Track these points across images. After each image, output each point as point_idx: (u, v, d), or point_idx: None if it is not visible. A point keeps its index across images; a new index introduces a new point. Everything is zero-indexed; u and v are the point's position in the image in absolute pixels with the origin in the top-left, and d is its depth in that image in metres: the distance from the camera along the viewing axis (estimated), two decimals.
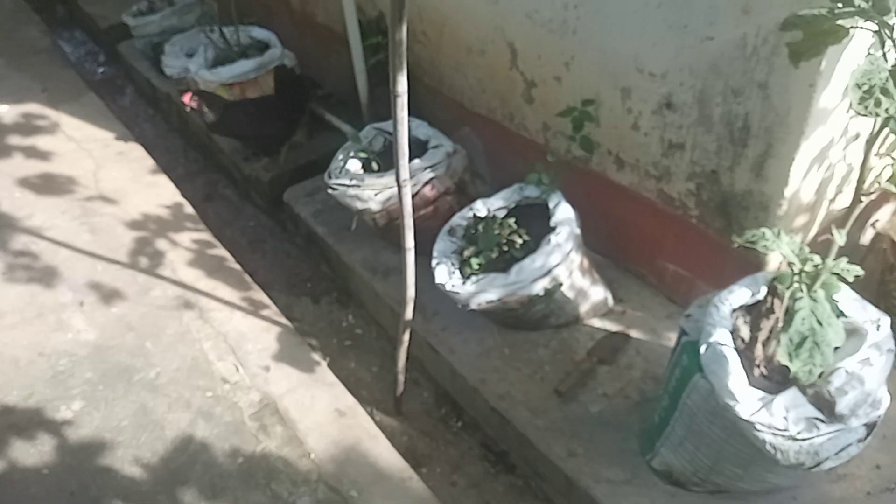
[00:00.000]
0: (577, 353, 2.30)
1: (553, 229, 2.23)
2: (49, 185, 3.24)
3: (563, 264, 2.19)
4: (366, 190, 2.56)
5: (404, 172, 1.71)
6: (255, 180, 3.36)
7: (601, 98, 2.30)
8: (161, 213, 3.08)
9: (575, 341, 2.34)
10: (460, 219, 2.43)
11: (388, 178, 2.54)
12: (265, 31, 3.45)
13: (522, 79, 2.59)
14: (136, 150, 3.49)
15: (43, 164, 3.39)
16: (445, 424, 2.42)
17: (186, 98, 3.08)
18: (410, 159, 2.68)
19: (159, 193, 3.21)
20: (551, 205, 2.31)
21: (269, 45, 3.39)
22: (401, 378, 2.30)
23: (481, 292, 2.17)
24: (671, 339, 2.29)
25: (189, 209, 3.13)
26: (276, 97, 3.31)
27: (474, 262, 2.25)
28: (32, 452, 2.04)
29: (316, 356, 2.43)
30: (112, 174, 3.32)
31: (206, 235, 2.97)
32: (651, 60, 2.07)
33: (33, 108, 3.88)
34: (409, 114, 3.01)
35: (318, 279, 3.05)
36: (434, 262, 2.30)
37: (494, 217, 2.35)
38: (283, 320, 2.56)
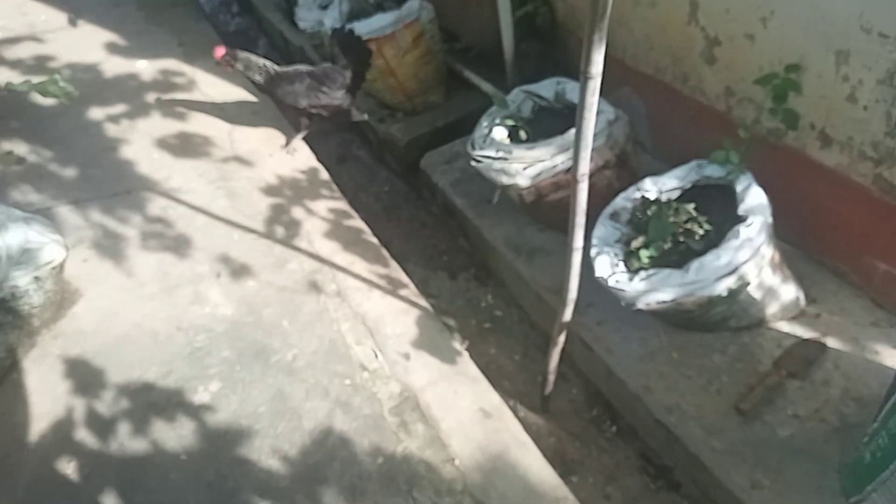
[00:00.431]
0: (761, 362, 1.98)
1: (741, 219, 1.89)
2: (186, 146, 3.19)
3: (752, 260, 1.86)
4: (513, 163, 2.30)
5: (584, 166, 1.43)
6: (391, 143, 3.17)
7: (807, 62, 1.90)
8: (296, 178, 2.96)
9: (759, 348, 2.02)
10: (625, 200, 2.13)
11: (540, 150, 2.27)
12: None
13: (703, 35, 2.22)
14: (270, 109, 3.38)
15: (179, 123, 3.36)
16: (598, 428, 2.18)
17: (218, 54, 2.95)
18: (562, 127, 2.40)
19: (294, 156, 3.09)
20: (739, 188, 1.97)
21: None
22: (550, 378, 2.07)
23: (651, 291, 1.88)
24: (878, 352, 1.93)
25: (324, 174, 2.99)
26: (331, 68, 3.03)
27: (643, 254, 1.95)
28: (171, 436, 1.99)
29: (457, 344, 2.24)
30: (247, 135, 3.24)
31: (341, 204, 2.83)
32: (883, 18, 1.66)
33: (170, 63, 3.86)
34: (558, 70, 2.72)
35: (455, 253, 2.85)
36: (593, 252, 2.03)
37: (668, 201, 2.03)
38: (423, 302, 2.38)
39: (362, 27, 2.97)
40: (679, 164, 2.64)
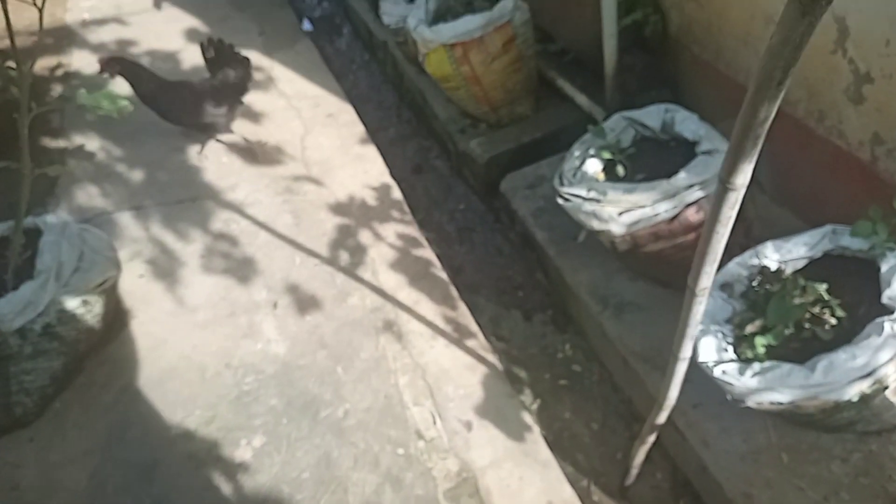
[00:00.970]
0: (892, 478, 1.62)
1: (886, 309, 1.53)
2: (254, 152, 3.02)
3: (894, 361, 1.50)
4: (607, 206, 1.99)
5: (706, 280, 1.13)
6: (470, 159, 2.90)
7: None
8: (366, 196, 2.74)
9: (890, 459, 1.66)
10: (740, 267, 1.79)
11: (640, 195, 1.94)
12: None
13: (851, 68, 1.82)
14: (346, 113, 3.17)
15: (252, 125, 3.19)
16: None
17: (101, 61, 2.79)
18: (672, 167, 2.06)
19: (366, 170, 2.87)
20: (884, 268, 1.60)
21: None
22: (633, 472, 1.78)
23: (766, 390, 1.55)
24: None
25: (396, 193, 2.76)
26: (212, 79, 2.91)
27: (759, 342, 1.62)
28: (207, 498, 1.83)
29: (527, 416, 1.98)
30: (319, 140, 3.03)
31: (411, 230, 2.59)
32: None
33: (250, 54, 3.67)
34: (665, 87, 2.36)
35: (532, 289, 2.57)
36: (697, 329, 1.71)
37: (794, 276, 1.68)
38: (491, 357, 2.12)
39: (448, 29, 2.69)
40: (803, 211, 2.26)
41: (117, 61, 2.82)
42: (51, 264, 2.12)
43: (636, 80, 2.59)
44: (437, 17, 2.88)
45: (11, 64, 3.70)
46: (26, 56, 3.40)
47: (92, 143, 3.19)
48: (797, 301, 1.61)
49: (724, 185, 0.96)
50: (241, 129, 3.19)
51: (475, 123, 2.98)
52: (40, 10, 1.93)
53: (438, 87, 3.03)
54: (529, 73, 2.93)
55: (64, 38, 4.14)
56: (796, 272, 1.72)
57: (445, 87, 2.91)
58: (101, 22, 4.25)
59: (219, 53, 2.95)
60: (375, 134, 3.23)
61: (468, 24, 2.68)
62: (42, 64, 3.85)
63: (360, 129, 3.06)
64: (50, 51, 4.01)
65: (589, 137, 2.21)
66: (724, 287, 1.76)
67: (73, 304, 2.14)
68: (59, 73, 3.88)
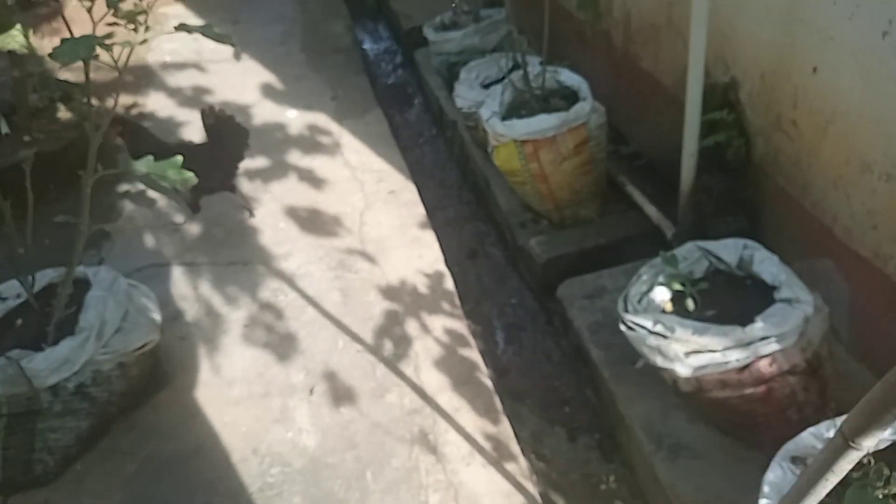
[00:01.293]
0: None
1: None
2: (314, 220, 3.00)
3: None
4: (674, 344, 1.87)
5: None
6: (528, 256, 2.81)
7: None
8: (418, 283, 2.67)
9: None
10: (814, 438, 1.64)
11: (711, 339, 1.82)
12: (576, 77, 2.84)
13: None
14: (408, 192, 3.13)
15: (314, 192, 3.18)
16: None
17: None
18: (747, 309, 1.93)
19: (421, 254, 2.81)
20: None
21: (577, 95, 2.78)
22: None
23: None
24: None
25: (449, 283, 2.68)
26: (210, 145, 2.88)
27: None
28: None
29: None
30: (378, 218, 2.99)
31: (460, 325, 2.50)
32: None
33: (320, 118, 3.72)
34: (742, 214, 2.26)
35: (580, 406, 2.44)
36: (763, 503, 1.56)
37: (879, 466, 1.53)
38: (530, 487, 1.99)
39: (521, 126, 2.64)
40: (884, 371, 2.09)
41: (119, 122, 2.85)
42: (94, 322, 2.09)
43: (712, 202, 2.49)
44: (511, 110, 2.85)
45: (91, 101, 3.79)
46: (105, 92, 3.48)
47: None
48: (880, 492, 1.46)
49: (846, 441, 0.84)
50: (299, 194, 3.18)
51: (537, 219, 2.91)
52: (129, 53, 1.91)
53: (503, 177, 2.97)
54: (598, 176, 2.86)
55: (143, 77, 4.24)
56: (879, 456, 1.57)
57: (511, 180, 2.86)
58: (180, 66, 4.36)
59: (218, 122, 2.97)
60: (434, 212, 3.19)
61: (542, 123, 2.63)
62: (119, 101, 3.95)
63: (420, 210, 3.01)
64: (128, 89, 4.11)
65: (659, 262, 2.10)
66: (795, 460, 1.61)
67: (109, 365, 2.10)
68: (135, 112, 3.96)
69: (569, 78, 2.84)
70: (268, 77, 4.14)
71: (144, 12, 1.91)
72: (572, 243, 2.77)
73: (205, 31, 1.91)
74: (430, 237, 2.87)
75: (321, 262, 2.76)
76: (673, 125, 2.52)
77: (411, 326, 2.48)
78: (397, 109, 4.32)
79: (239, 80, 4.12)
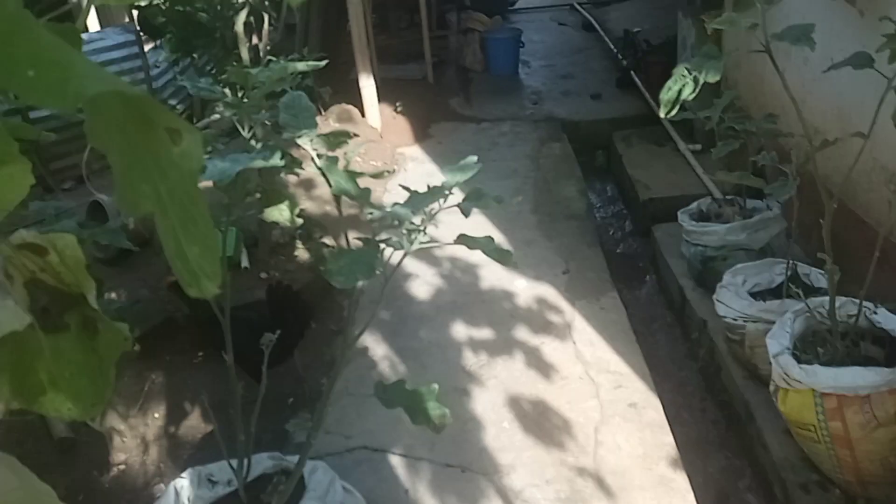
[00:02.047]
0: None
1: None
2: (540, 423, 2.64)
3: None
4: None
5: None
6: None
7: None
8: None
9: None
10: None
11: None
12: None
13: None
14: (652, 409, 2.69)
15: (541, 382, 2.84)
16: None
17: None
18: None
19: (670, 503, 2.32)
20: None
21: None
22: None
23: None
24: None
25: None
26: (271, 315, 2.66)
27: None
28: None
29: None
30: (617, 439, 2.56)
31: None
32: None
33: (550, 293, 3.44)
34: None
35: None
36: None
37: None
38: None
39: (826, 376, 2.14)
40: None
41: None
42: None
43: None
44: (805, 346, 2.36)
45: (327, 241, 3.80)
46: (339, 228, 3.42)
47: (377, 348, 3.05)
48: None
49: None
50: (525, 382, 2.85)
51: (825, 485, 2.33)
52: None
53: (776, 414, 2.45)
54: None
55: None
56: None
57: (799, 431, 2.32)
58: None
59: (283, 297, 2.74)
60: (671, 425, 2.70)
61: (856, 378, 2.11)
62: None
63: (668, 439, 2.55)
64: (362, 228, 4.11)
65: None
66: None
67: None
68: None
69: (887, 319, 2.32)
70: (497, 236, 3.95)
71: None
72: None
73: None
74: (681, 481, 2.38)
75: (549, 488, 2.36)
76: None
77: None
78: (625, 283, 3.94)
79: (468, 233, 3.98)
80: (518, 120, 5.90)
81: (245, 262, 3.46)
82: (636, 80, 6.18)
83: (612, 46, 7.33)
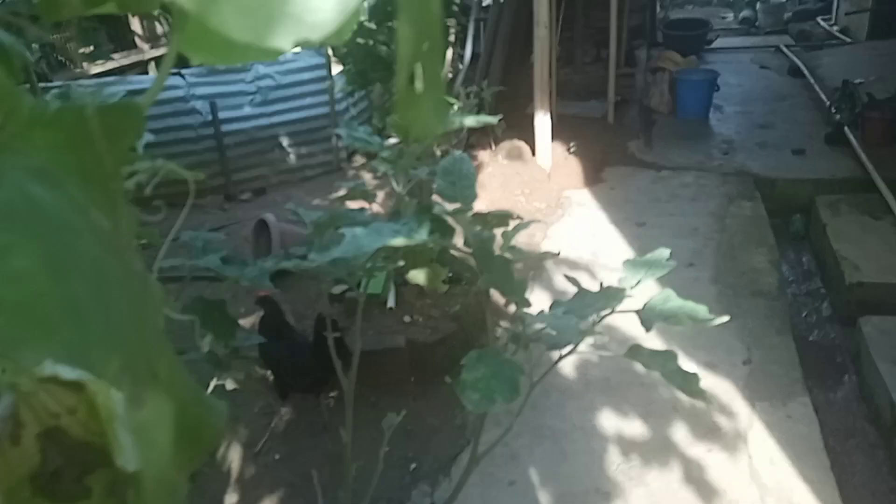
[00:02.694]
0: None
1: None
2: None
3: None
4: None
5: None
6: None
7: None
8: None
9: None
10: None
11: None
12: None
13: None
14: None
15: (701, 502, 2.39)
16: None
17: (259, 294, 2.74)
18: None
19: None
20: None
21: None
22: None
23: None
24: None
25: None
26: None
27: None
28: None
29: None
30: None
31: None
32: None
33: (724, 388, 2.95)
34: None
35: None
36: None
37: None
38: None
39: None
40: None
41: (268, 301, 2.76)
42: None
43: None
44: None
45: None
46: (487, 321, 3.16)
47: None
48: None
49: None
50: (686, 500, 2.41)
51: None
52: None
53: None
54: None
55: (532, 268, 3.95)
56: None
57: None
58: (571, 264, 3.99)
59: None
60: None
61: None
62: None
63: None
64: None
65: None
66: None
67: None
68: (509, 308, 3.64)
69: None
70: None
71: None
72: None
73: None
74: None
75: None
76: None
77: None
78: (818, 382, 3.34)
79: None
80: (704, 171, 5.36)
81: (391, 302, 3.30)
82: (850, 137, 5.41)
83: (823, 96, 6.53)
